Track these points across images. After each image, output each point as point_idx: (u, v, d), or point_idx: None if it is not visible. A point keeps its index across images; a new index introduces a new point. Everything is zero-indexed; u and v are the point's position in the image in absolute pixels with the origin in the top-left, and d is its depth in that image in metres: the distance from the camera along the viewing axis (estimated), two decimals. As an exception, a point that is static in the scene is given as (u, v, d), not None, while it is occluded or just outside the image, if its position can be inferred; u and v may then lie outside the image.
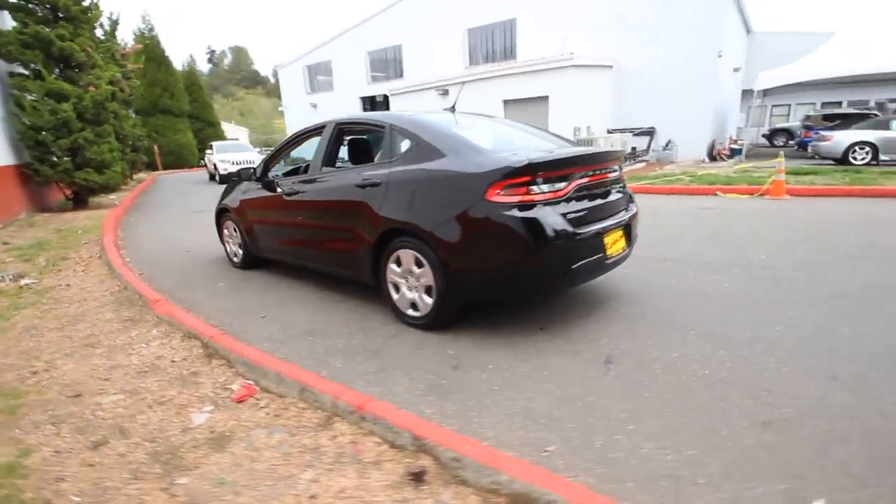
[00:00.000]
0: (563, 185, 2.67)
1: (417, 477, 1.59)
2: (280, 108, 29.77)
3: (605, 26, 15.80)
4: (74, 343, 3.01)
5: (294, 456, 1.78)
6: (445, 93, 16.81)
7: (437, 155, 2.85)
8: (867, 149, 11.04)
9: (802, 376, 2.22)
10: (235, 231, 4.76)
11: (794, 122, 21.40)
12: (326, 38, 24.10)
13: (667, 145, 15.91)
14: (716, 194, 8.12)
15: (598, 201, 2.92)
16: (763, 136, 22.66)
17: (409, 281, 3.02)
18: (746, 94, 19.82)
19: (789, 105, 24.66)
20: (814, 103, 23.23)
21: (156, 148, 22.98)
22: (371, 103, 24.15)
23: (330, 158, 3.69)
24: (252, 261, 4.75)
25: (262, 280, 4.36)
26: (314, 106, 25.48)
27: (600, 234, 2.81)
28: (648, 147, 15.84)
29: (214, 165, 15.51)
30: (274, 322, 3.28)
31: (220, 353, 2.63)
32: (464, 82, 14.67)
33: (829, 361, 2.35)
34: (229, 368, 2.52)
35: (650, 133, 15.98)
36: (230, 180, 5.05)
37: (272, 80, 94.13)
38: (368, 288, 3.78)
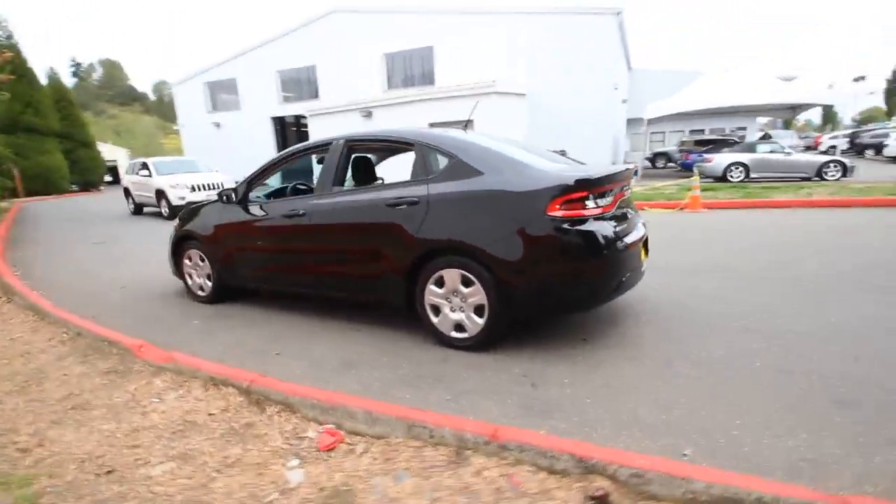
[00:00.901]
0: (609, 200, 2.80)
1: (601, 501, 1.53)
2: (175, 127, 27.10)
3: (518, 58, 17.01)
4: (54, 408, 2.40)
5: (445, 500, 1.60)
6: (369, 115, 16.70)
7: (482, 172, 2.82)
8: (741, 168, 13.17)
9: (834, 358, 2.55)
10: (203, 261, 4.21)
11: (671, 147, 24.85)
12: (230, 55, 22.66)
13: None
14: (643, 209, 9.05)
15: (628, 215, 3.10)
16: (646, 158, 25.90)
17: (453, 302, 2.92)
18: (630, 122, 22.60)
19: (664, 132, 28.49)
20: (682, 130, 27.23)
21: (16, 172, 19.47)
22: (281, 124, 23.10)
23: (340, 178, 3.45)
24: (223, 293, 4.23)
25: (242, 314, 3.90)
26: (217, 125, 23.65)
27: (635, 245, 2.99)
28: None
29: (160, 193, 11.24)
30: (295, 358, 2.94)
31: (271, 397, 2.28)
32: (471, 98, 14.72)
33: (847, 343, 2.72)
34: (292, 414, 2.19)
35: (563, 155, 17.37)
36: (190, 207, 4.48)
37: (152, 96, 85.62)
38: (378, 313, 3.59)
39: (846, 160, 12.74)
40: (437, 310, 2.99)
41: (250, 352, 3.09)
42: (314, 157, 5.21)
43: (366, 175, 3.83)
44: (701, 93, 17.22)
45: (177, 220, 4.54)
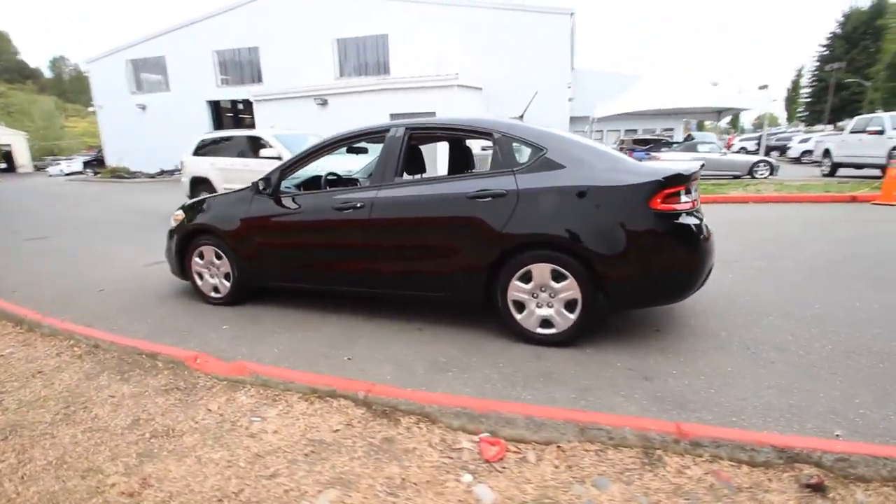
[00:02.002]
0: (695, 195, 2.86)
1: (817, 487, 1.55)
2: (91, 109, 24.10)
3: (474, 51, 17.06)
4: (128, 437, 2.00)
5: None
6: (324, 103, 15.95)
7: (580, 165, 2.77)
8: (686, 166, 14.25)
9: (886, 338, 2.80)
10: (219, 259, 3.76)
11: (612, 145, 26.31)
12: (158, 31, 20.54)
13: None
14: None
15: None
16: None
17: (540, 297, 2.85)
18: (572, 120, 23.62)
19: (602, 131, 30.10)
20: (618, 130, 28.94)
21: None
22: (216, 109, 21.40)
23: (402, 168, 3.22)
24: (243, 294, 3.83)
25: (271, 316, 3.57)
26: (143, 108, 21.43)
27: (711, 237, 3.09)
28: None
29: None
30: (374, 363, 2.73)
31: (400, 407, 2.07)
32: (456, 82, 14.14)
33: (887, 325, 3.01)
34: (433, 424, 2.01)
35: (519, 150, 17.75)
36: (200, 199, 3.99)
37: (48, 73, 75.58)
38: (427, 310, 3.44)
39: (772, 160, 14.21)
40: (519, 306, 2.90)
41: (313, 358, 2.82)
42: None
43: (418, 166, 3.62)
44: (643, 95, 18.36)
45: (179, 214, 4.02)
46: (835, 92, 37.62)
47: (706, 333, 3.01)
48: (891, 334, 2.88)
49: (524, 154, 2.98)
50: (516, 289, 2.88)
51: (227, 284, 3.82)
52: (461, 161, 4.11)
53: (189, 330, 3.33)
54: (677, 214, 2.64)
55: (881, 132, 11.30)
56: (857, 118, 13.56)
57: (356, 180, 4.41)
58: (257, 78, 20.04)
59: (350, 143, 3.51)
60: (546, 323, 2.87)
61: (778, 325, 3.06)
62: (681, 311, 3.39)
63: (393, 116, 15.24)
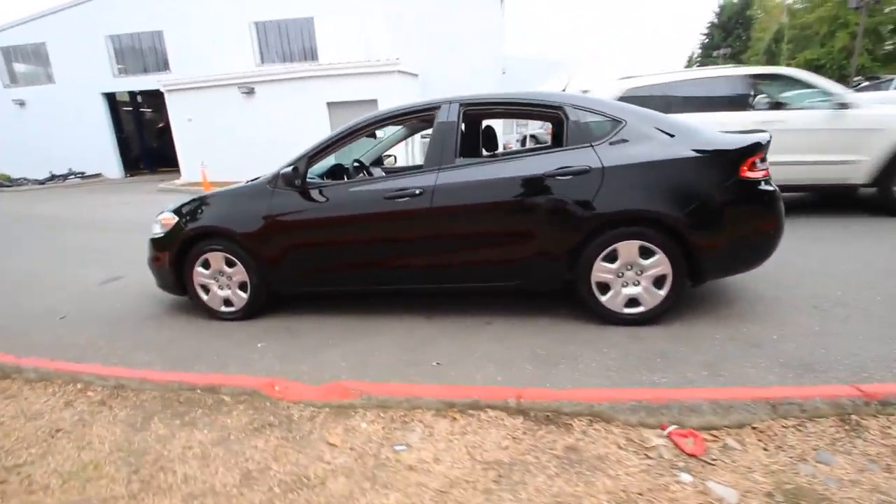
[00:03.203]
0: (767, 163, 2.88)
1: None
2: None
3: (408, 36, 16.57)
4: (251, 499, 1.57)
5: (904, 468, 1.50)
6: (250, 91, 14.61)
7: (671, 134, 2.67)
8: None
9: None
10: (232, 266, 3.21)
11: (539, 130, 27.14)
12: (37, 13, 17.45)
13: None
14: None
15: None
16: (517, 140, 27.94)
17: (626, 275, 2.74)
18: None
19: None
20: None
21: None
22: (112, 102, 18.80)
23: (461, 148, 2.92)
24: (262, 305, 3.32)
25: (306, 326, 3.15)
26: (21, 103, 18.21)
27: None
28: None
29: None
30: (471, 365, 2.47)
31: (564, 410, 1.83)
32: (398, 70, 13.07)
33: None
34: (608, 423, 1.80)
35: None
36: (202, 197, 3.37)
37: None
38: (488, 300, 3.24)
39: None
40: (603, 287, 2.78)
41: (397, 367, 2.49)
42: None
43: (474, 146, 3.32)
44: (570, 81, 19.15)
45: (168, 217, 3.35)
46: (719, 76, 41.90)
47: (767, 296, 3.09)
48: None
49: (597, 128, 2.83)
50: (601, 269, 2.75)
51: (244, 296, 3.27)
52: (476, 145, 3.86)
53: (217, 353, 2.80)
54: (759, 181, 2.65)
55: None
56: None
57: (380, 167, 3.99)
58: (163, 66, 17.82)
59: (392, 122, 3.12)
60: (631, 302, 2.78)
61: (824, 283, 3.23)
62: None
63: (329, 105, 14.40)
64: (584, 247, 2.73)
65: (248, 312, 3.31)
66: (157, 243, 3.38)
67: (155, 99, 18.71)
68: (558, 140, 3.16)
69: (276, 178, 3.06)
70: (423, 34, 16.57)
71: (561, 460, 1.66)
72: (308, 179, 3.12)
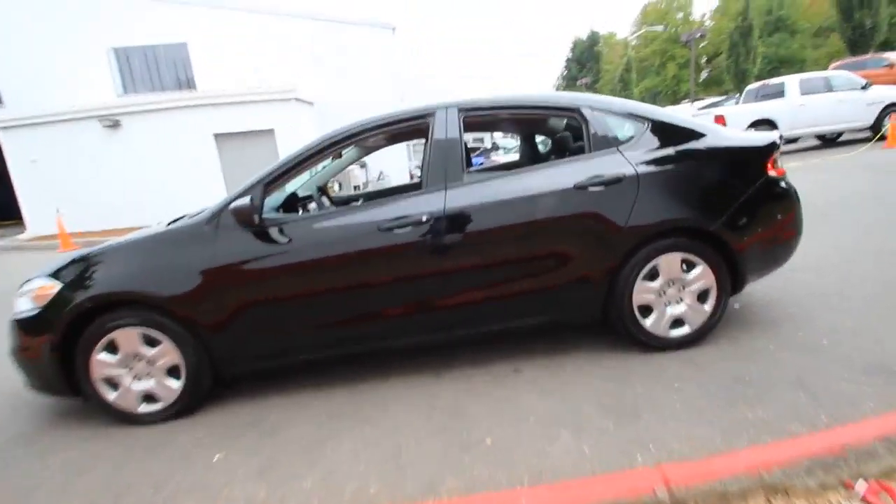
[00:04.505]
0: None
1: None
2: None
3: (296, 63, 15.66)
4: None
5: None
6: (114, 124, 12.49)
7: (702, 134, 2.42)
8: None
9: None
10: (154, 345, 2.27)
11: (502, 138, 27.27)
12: None
13: (379, 176, 17.36)
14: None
15: None
16: (417, 167, 28.04)
17: (668, 294, 2.42)
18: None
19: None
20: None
21: None
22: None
23: (466, 160, 2.39)
24: (204, 394, 2.41)
25: (276, 414, 2.35)
26: None
27: None
28: (366, 178, 16.84)
29: None
30: (532, 435, 1.91)
31: (731, 489, 1.35)
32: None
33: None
34: (786, 495, 1.35)
35: (363, 165, 17.03)
36: (100, 251, 2.37)
37: None
38: (498, 343, 2.73)
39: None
40: (645, 310, 2.42)
41: (438, 458, 1.83)
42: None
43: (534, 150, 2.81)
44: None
45: (46, 285, 2.30)
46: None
47: (790, 299, 2.96)
48: None
49: (619, 131, 2.50)
50: (643, 290, 2.38)
51: (176, 385, 2.32)
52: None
53: (154, 484, 1.85)
54: (782, 178, 2.53)
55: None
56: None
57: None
58: (-10, 99, 14.62)
59: (372, 135, 2.47)
60: (675, 323, 2.45)
61: (861, 269, 3.20)
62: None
63: (218, 137, 12.88)
64: (623, 266, 2.35)
65: (185, 407, 2.36)
66: (26, 326, 2.29)
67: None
68: (561, 147, 2.78)
69: (220, 216, 2.24)
70: (316, 63, 15.81)
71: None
72: (264, 215, 2.33)
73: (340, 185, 4.02)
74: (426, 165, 2.35)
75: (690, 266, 2.39)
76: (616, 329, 2.50)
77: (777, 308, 2.82)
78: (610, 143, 2.39)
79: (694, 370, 2.24)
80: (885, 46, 19.33)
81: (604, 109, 2.45)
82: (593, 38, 53.34)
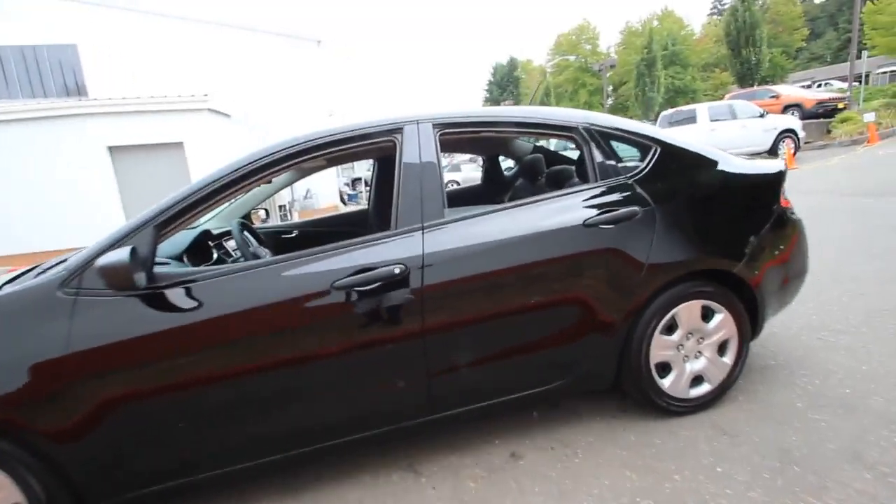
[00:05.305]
0: None
1: None
2: None
3: (208, 71, 14.29)
4: None
5: None
6: (-22, 136, 10.37)
7: (714, 161, 2.08)
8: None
9: None
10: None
11: (367, 172, 26.77)
12: None
13: (306, 195, 16.27)
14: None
15: None
16: (346, 184, 27.11)
17: (687, 347, 2.04)
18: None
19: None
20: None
21: None
22: None
23: (444, 194, 1.83)
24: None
25: None
26: None
27: None
28: (292, 197, 15.69)
29: None
30: None
31: None
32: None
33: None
34: None
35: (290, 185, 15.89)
36: None
37: None
38: (460, 424, 2.23)
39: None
40: (662, 367, 2.02)
41: None
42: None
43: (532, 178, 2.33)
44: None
45: None
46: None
47: (785, 335, 2.73)
48: None
49: (628, 157, 2.10)
50: (661, 345, 1.98)
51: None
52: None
53: None
54: (789, 209, 2.27)
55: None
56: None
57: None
58: None
59: (319, 155, 1.81)
60: (698, 380, 2.08)
61: (832, 304, 3.03)
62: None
63: (113, 150, 11.22)
64: (638, 318, 1.93)
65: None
66: None
67: None
68: (554, 178, 2.33)
69: (80, 275, 1.48)
70: (232, 70, 14.54)
71: None
72: (158, 270, 1.61)
73: (268, 214, 3.23)
74: (396, 198, 1.76)
75: (709, 314, 2.03)
76: (629, 393, 2.08)
77: (773, 347, 2.57)
78: (618, 170, 1.97)
79: (728, 444, 1.86)
80: (765, 80, 22.08)
81: (611, 129, 2.03)
82: (513, 64, 55.82)
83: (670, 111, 14.19)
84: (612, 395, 2.21)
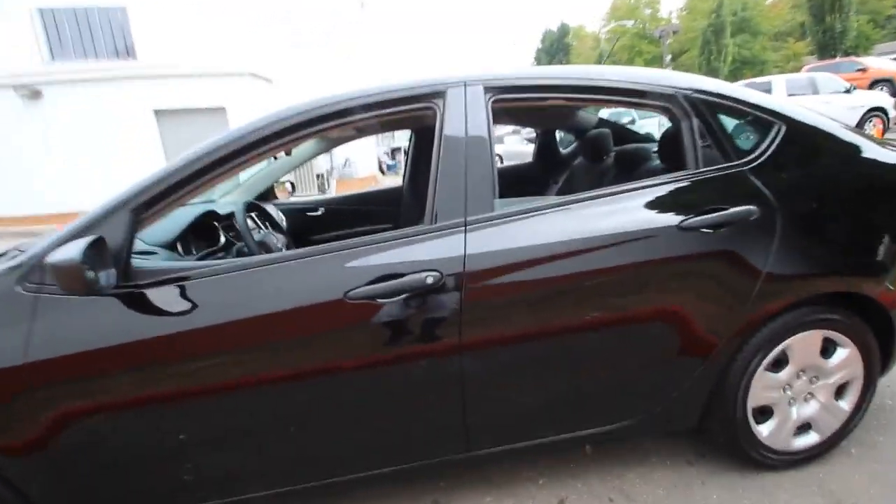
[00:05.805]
0: None
1: None
2: None
3: (253, 33, 14.06)
4: None
5: None
6: (34, 94, 10.71)
7: (856, 146, 1.56)
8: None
9: None
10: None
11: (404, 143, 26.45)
12: None
13: (345, 163, 16.10)
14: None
15: None
16: (385, 153, 26.87)
17: (795, 387, 1.58)
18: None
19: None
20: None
21: None
22: None
23: (496, 181, 1.43)
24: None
25: None
26: None
27: None
28: (331, 165, 15.56)
29: None
30: None
31: None
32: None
33: None
34: None
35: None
36: None
37: None
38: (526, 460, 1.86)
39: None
40: (761, 412, 1.58)
41: None
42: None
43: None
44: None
45: None
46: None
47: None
48: None
49: (744, 137, 1.61)
50: (764, 383, 1.54)
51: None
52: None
53: None
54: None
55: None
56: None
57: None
58: None
59: (347, 122, 1.45)
60: (805, 428, 1.63)
61: None
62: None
63: (158, 114, 11.31)
64: (738, 351, 1.49)
65: None
66: None
67: None
68: (626, 162, 1.87)
69: (38, 271, 1.20)
70: (274, 32, 14.27)
71: None
72: (137, 263, 1.30)
73: (294, 187, 2.92)
74: (434, 182, 1.37)
75: (831, 348, 1.56)
76: (715, 438, 1.66)
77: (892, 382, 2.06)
78: (729, 155, 1.49)
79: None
80: (848, 52, 19.67)
81: (724, 99, 1.53)
82: (563, 30, 52.90)
83: (744, 83, 12.87)
84: (668, 438, 1.80)
